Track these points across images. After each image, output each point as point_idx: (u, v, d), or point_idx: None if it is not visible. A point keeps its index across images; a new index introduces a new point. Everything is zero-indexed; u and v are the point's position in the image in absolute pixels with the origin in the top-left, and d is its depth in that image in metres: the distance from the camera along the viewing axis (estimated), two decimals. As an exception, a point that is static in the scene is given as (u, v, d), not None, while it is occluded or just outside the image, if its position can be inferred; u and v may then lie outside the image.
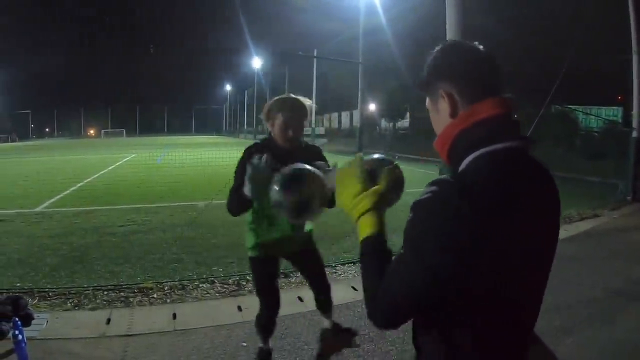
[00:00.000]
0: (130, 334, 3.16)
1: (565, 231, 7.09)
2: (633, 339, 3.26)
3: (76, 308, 3.56)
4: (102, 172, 13.71)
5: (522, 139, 1.04)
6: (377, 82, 30.47)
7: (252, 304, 3.81)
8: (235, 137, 66.08)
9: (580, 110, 21.98)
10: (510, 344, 1.06)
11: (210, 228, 6.59)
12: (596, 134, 23.45)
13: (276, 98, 2.45)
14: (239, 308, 3.74)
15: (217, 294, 4.07)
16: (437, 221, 0.93)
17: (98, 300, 3.72)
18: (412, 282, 0.96)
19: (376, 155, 1.58)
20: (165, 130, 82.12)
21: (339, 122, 56.09)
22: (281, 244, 2.56)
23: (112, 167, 15.44)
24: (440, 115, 1.11)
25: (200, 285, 4.24)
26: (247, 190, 2.07)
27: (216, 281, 4.35)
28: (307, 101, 2.44)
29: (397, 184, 1.46)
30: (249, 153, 2.33)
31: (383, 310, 1.03)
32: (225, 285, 4.27)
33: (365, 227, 1.14)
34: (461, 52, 1.12)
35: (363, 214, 1.15)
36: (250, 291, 4.17)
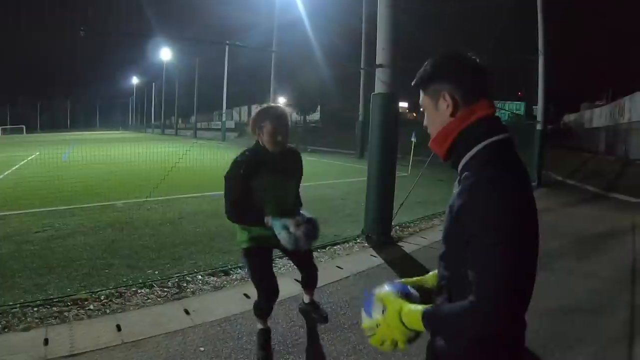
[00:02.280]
0: (74, 353, 2.78)
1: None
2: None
3: (6, 330, 3.05)
4: (6, 173, 12.11)
5: (508, 131, 1.21)
6: (288, 76, 30.32)
7: (199, 306, 3.61)
8: (143, 132, 62.14)
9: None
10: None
11: (134, 229, 6.13)
12: None
13: (260, 109, 2.62)
14: (186, 311, 3.49)
15: (159, 299, 3.76)
16: (498, 208, 1.06)
17: (29, 319, 3.23)
18: (509, 262, 1.03)
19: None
20: (69, 126, 74.75)
21: (249, 115, 55.19)
22: (272, 237, 2.57)
23: (16, 167, 13.73)
24: (439, 113, 1.24)
25: (139, 290, 3.90)
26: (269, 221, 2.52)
27: (155, 285, 4.03)
28: (287, 108, 2.72)
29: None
30: (245, 163, 2.56)
31: (505, 304, 1.04)
32: (166, 289, 3.97)
33: (415, 319, 1.19)
34: (464, 61, 1.25)
35: (401, 320, 1.22)
36: (193, 292, 3.94)
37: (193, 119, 51.26)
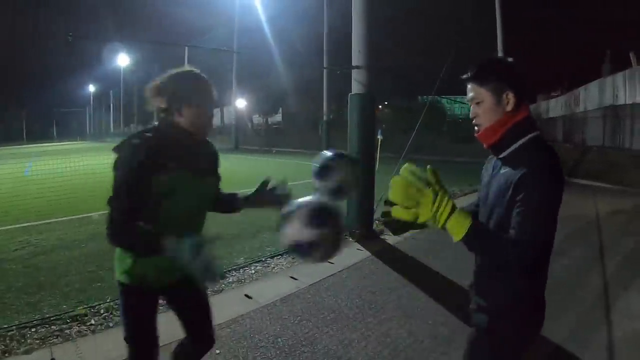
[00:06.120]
0: (87, 371, 2.65)
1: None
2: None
3: (7, 355, 2.84)
4: (-35, 191, 11.39)
5: (540, 129, 1.46)
6: (250, 78, 29.95)
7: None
8: (102, 141, 59.56)
9: (448, 99, 24.40)
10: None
11: (117, 239, 5.87)
12: (461, 120, 26.35)
13: (185, 73, 1.70)
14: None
15: (161, 308, 3.61)
16: (550, 181, 1.33)
17: (29, 340, 3.02)
18: (547, 222, 1.34)
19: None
20: (24, 138, 70.07)
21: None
22: (164, 271, 1.75)
23: (-25, 184, 12.91)
24: (499, 107, 1.43)
25: (138, 301, 3.74)
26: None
27: (153, 295, 3.88)
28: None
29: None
30: (146, 154, 1.56)
31: (532, 252, 1.31)
32: (165, 297, 3.83)
33: (459, 226, 1.28)
34: (520, 70, 1.46)
35: (448, 217, 1.28)
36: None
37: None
